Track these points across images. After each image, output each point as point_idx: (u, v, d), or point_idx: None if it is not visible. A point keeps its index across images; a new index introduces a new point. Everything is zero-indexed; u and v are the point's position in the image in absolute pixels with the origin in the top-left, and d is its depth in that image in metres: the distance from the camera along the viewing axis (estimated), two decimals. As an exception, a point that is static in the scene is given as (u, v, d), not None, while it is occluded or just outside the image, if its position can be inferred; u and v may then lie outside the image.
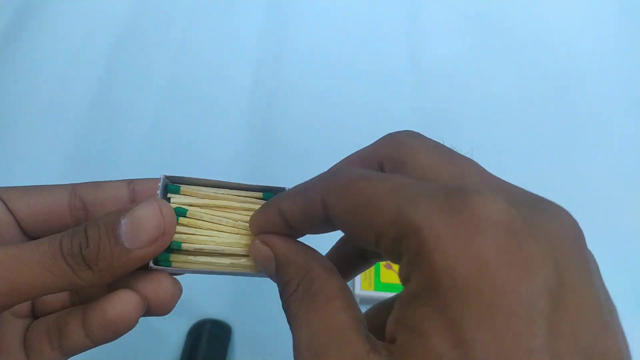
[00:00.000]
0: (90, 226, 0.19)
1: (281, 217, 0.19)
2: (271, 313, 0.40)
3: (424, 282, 0.14)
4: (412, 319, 0.14)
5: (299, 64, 0.54)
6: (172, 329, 0.38)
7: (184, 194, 0.23)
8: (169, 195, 0.22)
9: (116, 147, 0.48)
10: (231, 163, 0.47)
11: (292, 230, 0.20)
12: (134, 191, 0.23)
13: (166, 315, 0.40)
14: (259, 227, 0.21)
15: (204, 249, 0.21)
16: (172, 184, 0.22)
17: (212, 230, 0.22)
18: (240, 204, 0.23)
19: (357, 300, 0.37)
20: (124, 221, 0.19)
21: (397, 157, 0.19)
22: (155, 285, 0.21)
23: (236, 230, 0.22)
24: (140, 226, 0.19)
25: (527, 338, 0.13)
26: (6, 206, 0.22)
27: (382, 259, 0.24)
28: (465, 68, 0.53)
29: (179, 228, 0.21)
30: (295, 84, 0.52)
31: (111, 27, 0.57)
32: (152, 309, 0.21)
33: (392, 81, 0.52)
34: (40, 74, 0.53)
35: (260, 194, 0.23)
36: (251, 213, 0.22)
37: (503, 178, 0.39)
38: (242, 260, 0.22)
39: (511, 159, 0.47)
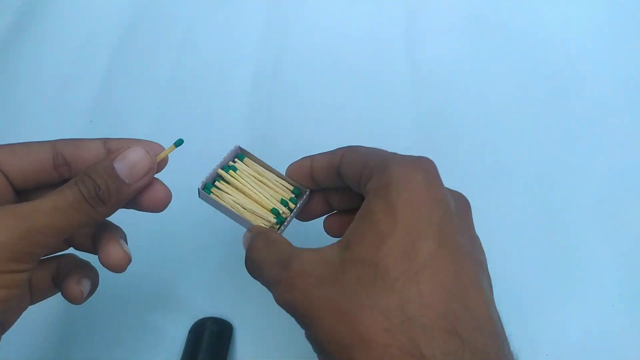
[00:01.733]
0: (93, 174, 0.24)
1: (310, 165, 0.29)
2: (273, 311, 0.40)
3: (381, 184, 0.23)
4: (365, 209, 0.23)
5: (298, 65, 0.54)
6: (173, 327, 0.38)
7: (245, 163, 0.32)
8: (235, 159, 0.32)
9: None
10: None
11: (311, 178, 0.30)
12: (109, 149, 0.28)
13: (167, 314, 0.40)
14: (292, 171, 0.31)
15: (231, 197, 0.31)
16: (241, 154, 0.32)
17: (242, 192, 0.31)
18: (275, 186, 0.31)
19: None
20: (117, 165, 0.25)
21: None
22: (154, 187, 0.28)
23: (257, 203, 0.31)
24: (135, 165, 0.26)
25: (428, 215, 0.22)
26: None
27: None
28: (464, 69, 0.53)
29: (227, 177, 0.31)
30: (295, 85, 0.52)
31: (113, 28, 0.57)
32: (151, 199, 0.28)
33: (391, 83, 0.52)
34: (42, 74, 0.53)
35: (292, 188, 0.32)
36: (277, 196, 0.31)
37: (501, 177, 0.41)
38: (247, 219, 0.30)
39: (511, 159, 0.47)
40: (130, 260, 0.27)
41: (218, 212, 0.31)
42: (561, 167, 0.46)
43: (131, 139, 0.29)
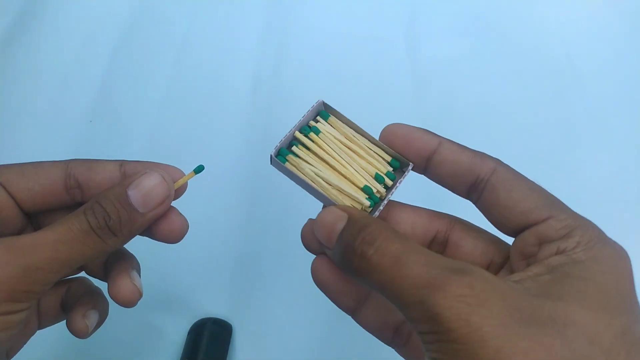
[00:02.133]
0: (104, 201, 0.22)
1: (435, 146, 0.24)
2: (272, 312, 0.40)
3: (587, 257, 0.19)
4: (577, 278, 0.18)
5: (298, 65, 0.54)
6: (173, 328, 0.38)
7: (329, 123, 0.26)
8: (318, 117, 0.26)
9: (117, 148, 0.48)
10: (231, 164, 0.47)
11: (424, 159, 0.24)
12: (124, 173, 0.25)
13: (167, 314, 0.40)
14: (400, 135, 0.25)
15: (311, 169, 0.24)
16: (325, 111, 0.26)
17: (326, 162, 0.25)
18: (368, 156, 0.25)
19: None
20: (131, 192, 0.23)
21: None
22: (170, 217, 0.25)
23: (345, 178, 0.24)
24: (150, 193, 0.23)
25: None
26: (6, 190, 0.24)
27: None
28: (464, 69, 0.53)
29: (307, 142, 0.25)
30: (295, 85, 0.52)
31: (112, 28, 0.57)
32: (166, 230, 0.25)
33: (391, 83, 0.52)
34: (42, 75, 0.53)
35: (389, 159, 0.25)
36: (370, 169, 0.24)
37: None
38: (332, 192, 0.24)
39: (511, 158, 0.47)
40: (141, 296, 0.26)
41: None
42: (561, 166, 0.46)
43: (149, 162, 0.26)
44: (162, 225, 0.25)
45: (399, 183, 0.25)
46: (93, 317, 0.26)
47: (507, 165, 0.24)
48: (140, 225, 0.23)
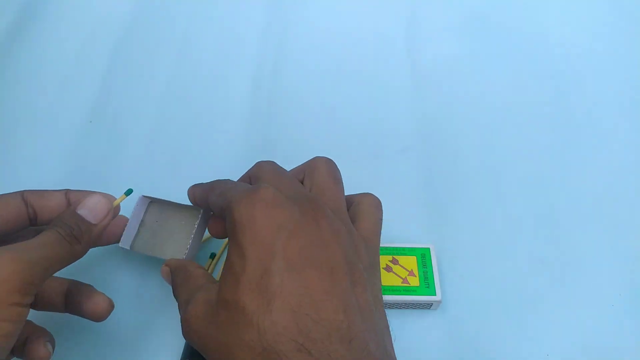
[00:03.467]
0: (64, 219, 0.29)
1: (193, 196, 0.34)
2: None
3: (230, 230, 0.26)
4: (227, 252, 0.26)
5: (298, 65, 0.54)
6: (173, 328, 0.38)
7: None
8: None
9: (117, 148, 0.48)
10: (231, 164, 0.47)
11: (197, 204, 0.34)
12: (69, 200, 0.33)
13: (167, 314, 0.40)
14: (189, 196, 0.35)
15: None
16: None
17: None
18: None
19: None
20: (80, 212, 0.30)
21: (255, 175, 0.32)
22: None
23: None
24: (95, 208, 0.31)
25: (271, 246, 0.24)
26: None
27: None
28: (464, 69, 0.53)
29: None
30: (295, 85, 0.52)
31: (112, 28, 0.57)
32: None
33: (391, 83, 0.52)
34: (42, 75, 0.53)
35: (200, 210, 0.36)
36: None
37: (501, 177, 0.40)
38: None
39: (511, 158, 0.47)
40: (113, 307, 0.32)
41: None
42: (561, 166, 0.46)
43: (88, 191, 0.33)
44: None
45: (198, 225, 0.36)
46: (50, 346, 0.31)
47: (214, 185, 0.32)
48: (96, 232, 0.30)
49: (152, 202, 0.39)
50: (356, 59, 0.54)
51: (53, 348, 0.31)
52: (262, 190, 0.26)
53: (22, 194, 0.32)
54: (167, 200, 0.38)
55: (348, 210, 0.31)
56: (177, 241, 0.37)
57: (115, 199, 0.33)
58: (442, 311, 0.38)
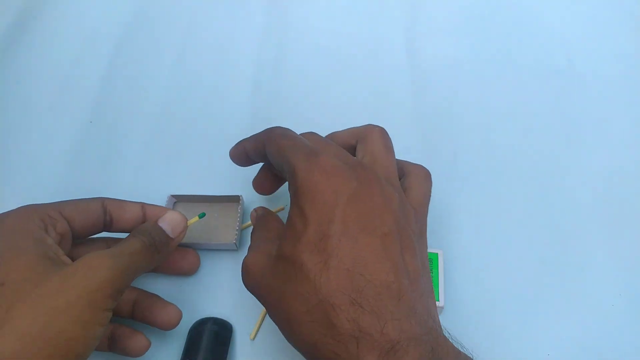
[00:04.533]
0: (148, 230, 0.32)
1: (244, 148, 0.35)
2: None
3: (293, 192, 0.28)
4: (289, 213, 0.28)
5: (299, 65, 0.54)
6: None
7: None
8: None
9: (117, 148, 0.48)
10: (232, 164, 0.47)
11: (248, 159, 0.35)
12: (145, 213, 0.35)
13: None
14: (232, 155, 0.37)
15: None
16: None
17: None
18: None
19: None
20: (162, 225, 0.33)
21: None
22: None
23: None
24: (175, 223, 0.33)
25: (331, 211, 0.26)
26: (68, 224, 0.32)
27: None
28: (464, 69, 0.54)
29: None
30: (295, 85, 0.52)
31: (113, 28, 0.57)
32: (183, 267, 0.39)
33: (391, 82, 0.52)
34: (42, 75, 0.53)
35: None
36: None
37: (501, 177, 0.40)
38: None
39: (510, 158, 0.47)
40: (181, 317, 0.35)
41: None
42: (561, 166, 0.46)
43: (163, 207, 0.36)
44: (180, 262, 0.38)
45: (241, 211, 0.41)
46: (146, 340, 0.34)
47: (272, 133, 0.32)
48: (172, 246, 0.33)
49: (180, 199, 0.42)
50: (356, 60, 0.54)
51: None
52: (322, 158, 0.28)
53: (103, 201, 0.34)
54: (195, 195, 0.41)
55: (400, 179, 0.32)
56: (225, 229, 0.41)
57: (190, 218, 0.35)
58: (443, 316, 0.38)
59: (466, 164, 0.47)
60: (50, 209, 0.31)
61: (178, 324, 0.34)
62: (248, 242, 0.41)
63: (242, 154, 0.35)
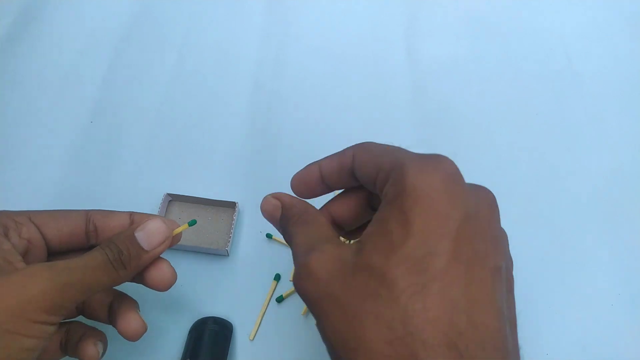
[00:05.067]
0: (117, 240, 0.28)
1: (318, 171, 0.28)
2: (273, 311, 0.40)
3: (396, 192, 0.22)
4: (380, 215, 0.22)
5: (299, 65, 0.54)
6: (174, 327, 0.38)
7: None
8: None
9: (117, 148, 0.48)
10: (232, 164, 0.47)
11: (322, 184, 0.28)
12: (133, 221, 0.32)
13: (167, 314, 0.40)
14: (299, 179, 0.29)
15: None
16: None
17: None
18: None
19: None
20: (138, 234, 0.29)
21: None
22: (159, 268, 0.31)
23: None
24: (153, 233, 0.29)
25: (444, 225, 0.21)
26: (39, 230, 0.30)
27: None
28: (464, 69, 0.54)
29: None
30: (295, 85, 0.52)
31: (113, 28, 0.57)
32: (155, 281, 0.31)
33: (391, 83, 0.52)
34: (43, 76, 0.53)
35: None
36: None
37: (501, 177, 0.40)
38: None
39: (510, 158, 0.47)
40: (146, 330, 0.31)
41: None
42: (560, 166, 0.46)
43: (153, 214, 0.32)
44: (153, 273, 0.31)
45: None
46: (101, 346, 0.31)
47: (363, 145, 0.28)
48: (144, 261, 0.29)
49: (176, 199, 0.42)
50: (356, 60, 0.54)
51: (104, 348, 0.31)
52: (443, 158, 0.23)
53: (87, 212, 0.32)
54: (191, 196, 0.41)
55: None
56: (217, 234, 0.41)
57: (179, 226, 0.31)
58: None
59: (466, 163, 0.46)
60: (18, 214, 0.30)
61: (138, 338, 0.31)
62: (240, 249, 0.41)
63: (316, 178, 0.28)
